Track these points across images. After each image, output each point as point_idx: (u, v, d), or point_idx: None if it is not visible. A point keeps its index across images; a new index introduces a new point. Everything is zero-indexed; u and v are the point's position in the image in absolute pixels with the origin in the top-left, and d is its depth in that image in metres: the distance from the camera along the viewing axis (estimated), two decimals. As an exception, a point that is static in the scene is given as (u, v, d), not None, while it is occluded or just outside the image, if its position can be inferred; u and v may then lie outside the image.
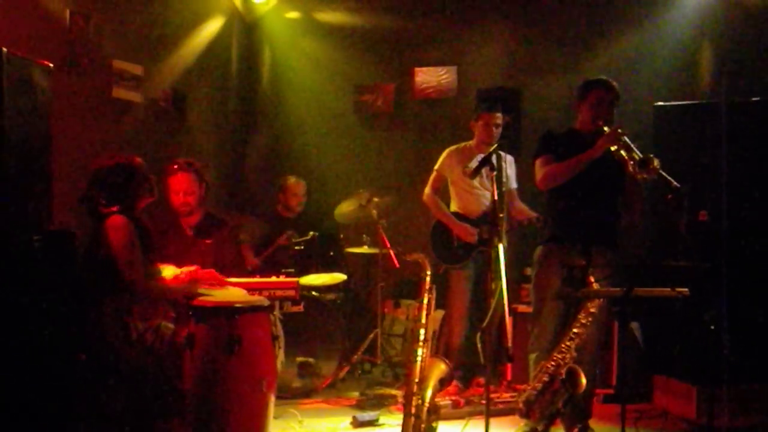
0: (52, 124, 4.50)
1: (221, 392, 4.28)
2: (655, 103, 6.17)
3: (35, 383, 4.14)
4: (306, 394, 6.24)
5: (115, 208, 4.53)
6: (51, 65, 4.49)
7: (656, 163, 4.68)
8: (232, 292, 4.92)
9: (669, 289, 4.19)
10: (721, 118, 5.54)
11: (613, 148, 4.91)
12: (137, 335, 4.46)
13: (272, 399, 4.51)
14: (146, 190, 4.73)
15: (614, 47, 7.46)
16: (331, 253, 7.22)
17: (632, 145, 4.85)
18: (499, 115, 6.27)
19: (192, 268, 4.92)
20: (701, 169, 5.57)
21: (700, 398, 5.39)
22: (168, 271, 4.92)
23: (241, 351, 4.29)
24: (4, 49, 3.97)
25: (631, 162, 4.80)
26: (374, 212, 6.90)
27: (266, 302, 4.69)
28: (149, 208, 4.87)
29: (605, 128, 4.98)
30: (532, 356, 5.20)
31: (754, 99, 5.84)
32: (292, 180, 7.32)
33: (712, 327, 4.32)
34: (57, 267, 4.38)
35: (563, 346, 4.80)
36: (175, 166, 5.75)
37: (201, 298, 4.57)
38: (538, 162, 5.23)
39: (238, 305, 4.45)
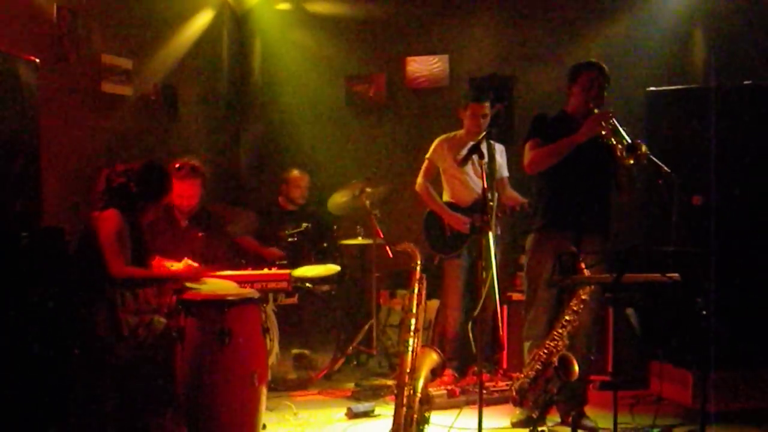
0: (40, 120, 4.48)
1: (212, 385, 4.29)
2: (648, 89, 6.13)
3: (28, 380, 4.14)
4: (301, 385, 6.23)
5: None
6: (38, 60, 4.47)
7: (644, 148, 4.68)
8: (223, 284, 4.92)
9: (659, 274, 4.17)
10: (713, 102, 5.53)
11: (603, 134, 4.89)
12: (129, 330, 4.46)
13: (264, 391, 4.52)
14: (157, 204, 4.81)
15: (606, 33, 7.47)
16: (325, 245, 7.18)
17: (621, 130, 4.82)
18: (486, 105, 6.20)
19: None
20: (693, 153, 5.56)
21: (695, 384, 5.39)
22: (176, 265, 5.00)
23: (232, 344, 4.30)
24: (-12, 45, 3.96)
25: (619, 147, 4.78)
26: (367, 203, 6.84)
27: (256, 295, 4.68)
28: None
29: (596, 110, 4.96)
30: (527, 344, 5.21)
31: (745, 83, 5.80)
32: (295, 173, 7.33)
33: (704, 312, 4.30)
34: (46, 264, 4.37)
35: (555, 333, 4.80)
36: (182, 172, 5.64)
37: (191, 292, 4.57)
38: (527, 146, 5.20)
39: (228, 298, 4.45)
